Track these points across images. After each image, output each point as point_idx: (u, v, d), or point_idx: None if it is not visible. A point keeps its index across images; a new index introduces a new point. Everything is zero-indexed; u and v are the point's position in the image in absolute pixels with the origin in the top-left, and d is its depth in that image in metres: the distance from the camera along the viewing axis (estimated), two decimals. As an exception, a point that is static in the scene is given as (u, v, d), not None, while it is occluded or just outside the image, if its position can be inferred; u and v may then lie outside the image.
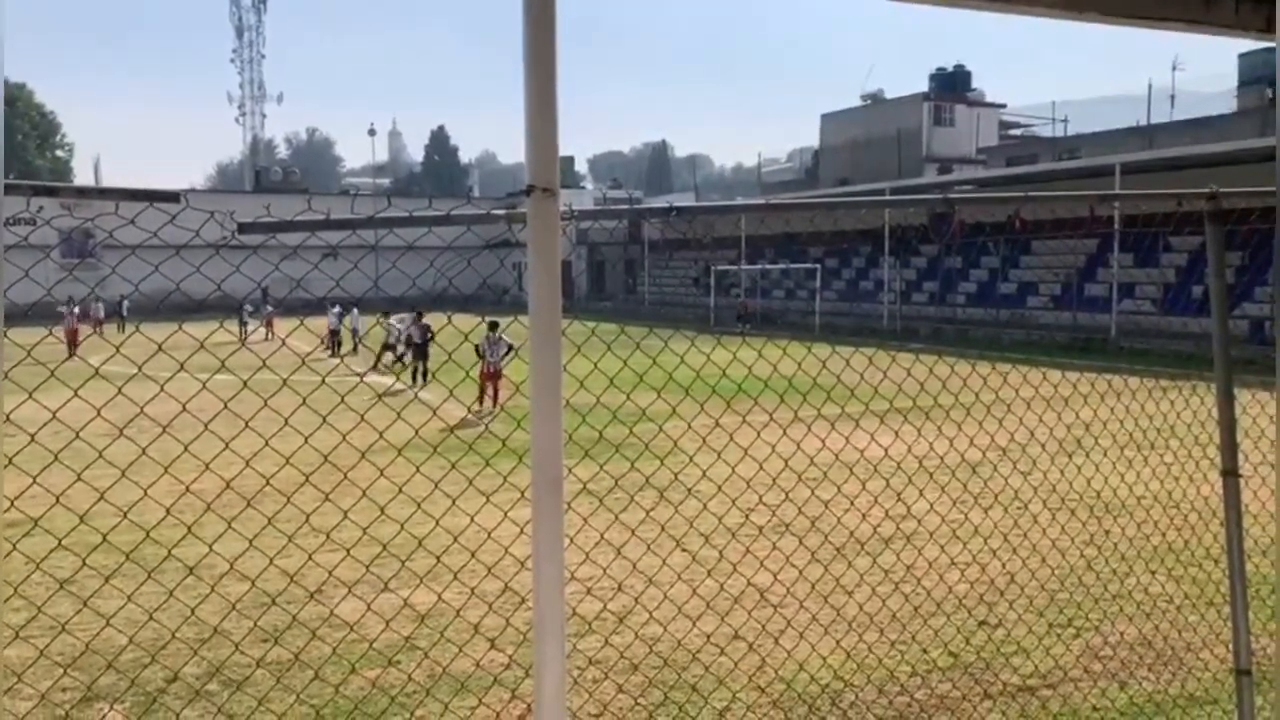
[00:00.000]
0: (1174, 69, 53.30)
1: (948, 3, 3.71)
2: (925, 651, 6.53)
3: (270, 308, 34.90)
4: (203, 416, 4.42)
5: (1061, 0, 3.75)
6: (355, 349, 29.34)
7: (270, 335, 33.31)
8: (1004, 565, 7.27)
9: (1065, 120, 57.50)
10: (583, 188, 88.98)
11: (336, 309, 29.31)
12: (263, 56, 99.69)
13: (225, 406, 4.18)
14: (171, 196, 3.32)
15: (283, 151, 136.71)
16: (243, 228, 3.29)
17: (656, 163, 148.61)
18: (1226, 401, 4.56)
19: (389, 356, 25.47)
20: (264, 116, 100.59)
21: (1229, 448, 4.54)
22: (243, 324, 33.03)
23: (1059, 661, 6.38)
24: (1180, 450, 6.41)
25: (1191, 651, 6.44)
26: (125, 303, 38.53)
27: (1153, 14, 4.07)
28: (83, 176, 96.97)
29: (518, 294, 58.17)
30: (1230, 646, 4.51)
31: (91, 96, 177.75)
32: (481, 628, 5.89)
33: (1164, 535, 7.31)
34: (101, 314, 38.48)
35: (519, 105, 2.95)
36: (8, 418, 3.93)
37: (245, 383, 4.36)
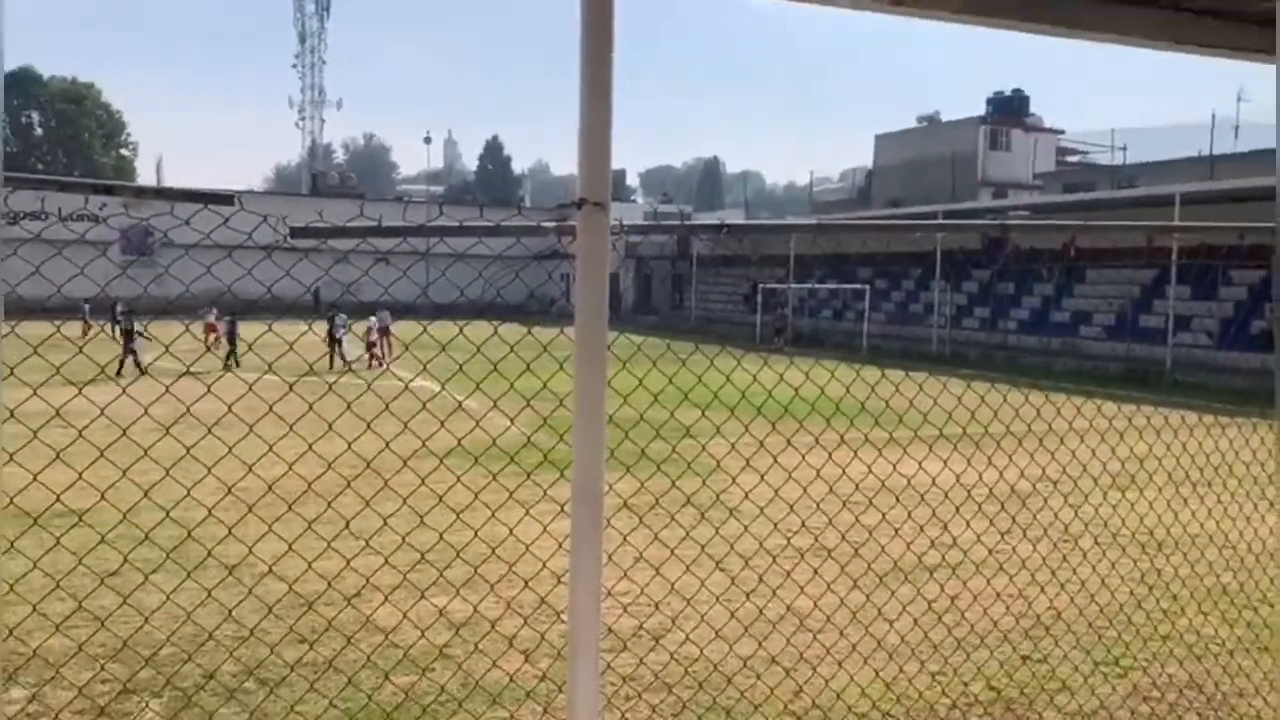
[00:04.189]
0: (1239, 100, 52.43)
1: (986, 23, 3.65)
2: (966, 685, 6.39)
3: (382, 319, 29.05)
4: (249, 417, 4.44)
5: (1141, 30, 3.70)
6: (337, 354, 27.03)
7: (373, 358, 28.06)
8: (1051, 600, 7.09)
9: (1124, 148, 56.68)
10: (633, 201, 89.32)
11: (372, 317, 28.58)
12: (324, 63, 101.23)
13: (270, 410, 4.20)
14: (226, 199, 3.34)
15: (340, 156, 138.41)
16: (295, 232, 3.29)
17: (708, 178, 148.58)
18: (1289, 441, 4.41)
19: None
20: (323, 121, 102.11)
21: (1291, 490, 4.39)
22: (334, 339, 26.80)
23: (1104, 701, 6.21)
24: (1238, 489, 6.23)
25: (1244, 697, 6.24)
26: (119, 306, 33.45)
27: (1226, 44, 3.98)
28: (145, 175, 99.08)
29: (564, 305, 58.40)
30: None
31: (156, 97, 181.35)
32: (516, 640, 5.86)
33: (1218, 576, 7.10)
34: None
35: (573, 115, 2.93)
36: (57, 412, 3.97)
37: (291, 386, 4.37)
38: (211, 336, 29.18)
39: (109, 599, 6.61)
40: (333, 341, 26.17)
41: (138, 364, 22.71)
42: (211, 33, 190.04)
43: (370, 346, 27.85)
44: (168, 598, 5.06)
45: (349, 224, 3.38)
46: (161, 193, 3.81)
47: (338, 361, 26.24)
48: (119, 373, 21.19)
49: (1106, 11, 3.69)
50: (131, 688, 5.94)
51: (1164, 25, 3.83)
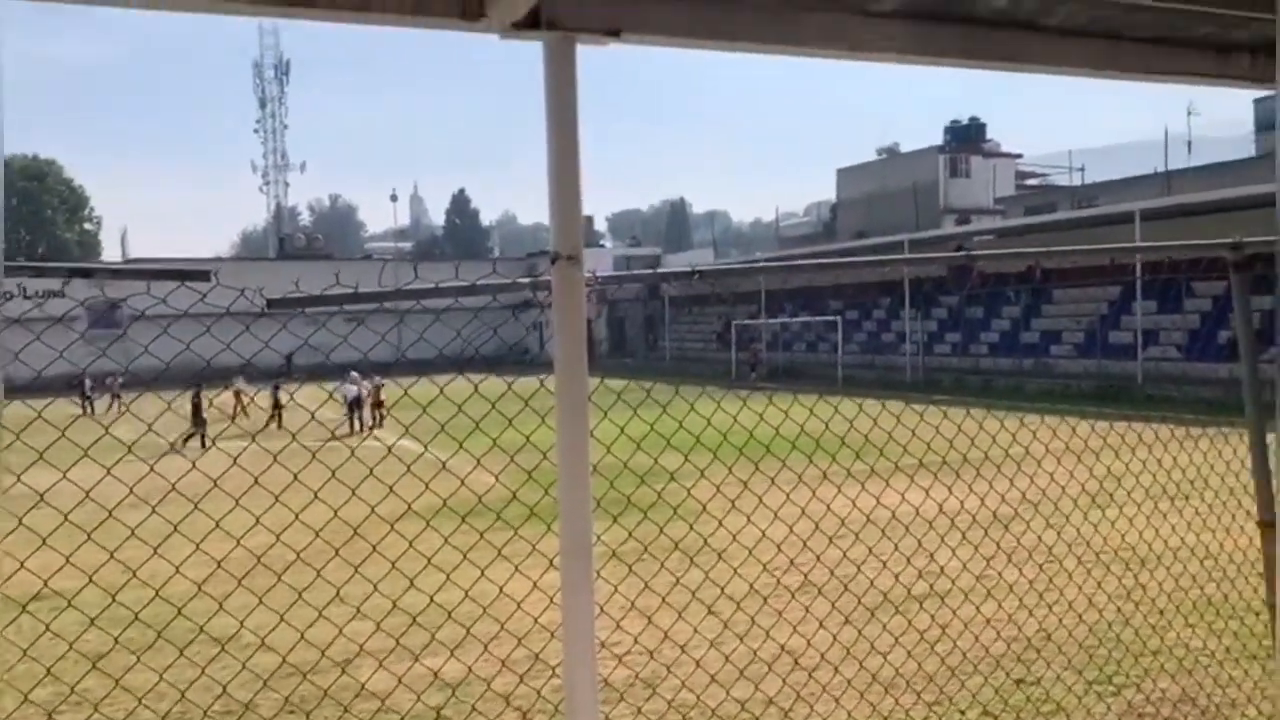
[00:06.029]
0: (1189, 114, 53.46)
1: (929, 62, 3.76)
2: (962, 713, 6.42)
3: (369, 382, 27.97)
4: (230, 488, 4.45)
5: (1083, 60, 3.81)
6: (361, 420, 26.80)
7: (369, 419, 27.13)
8: (1040, 622, 7.14)
9: (1082, 169, 57.57)
10: (602, 245, 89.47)
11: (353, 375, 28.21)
12: (285, 127, 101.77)
13: (256, 481, 4.21)
14: (202, 275, 3.36)
15: (306, 218, 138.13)
16: (271, 303, 3.32)
17: (675, 219, 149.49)
18: (1260, 450, 4.50)
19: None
20: (287, 185, 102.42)
21: (1265, 497, 4.46)
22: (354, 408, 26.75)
23: (1100, 721, 6.25)
24: (1215, 501, 6.32)
25: (1236, 708, 6.29)
26: (120, 380, 33.21)
27: (1170, 70, 4.11)
28: (110, 248, 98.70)
29: (537, 354, 58.31)
30: (1276, 702, 4.41)
31: (118, 169, 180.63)
32: (512, 698, 5.84)
33: (1202, 589, 7.18)
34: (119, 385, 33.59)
35: (537, 165, 3.02)
36: (42, 497, 3.97)
37: (275, 457, 4.38)
38: (238, 405, 29.28)
39: (99, 682, 6.54)
40: (350, 407, 26.38)
41: (202, 439, 22.73)
42: (171, 104, 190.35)
43: (377, 406, 27.49)
44: (160, 677, 5.02)
45: (326, 292, 3.42)
46: (138, 273, 3.84)
47: (357, 425, 26.56)
48: (185, 444, 21.59)
49: (1047, 45, 3.79)
50: (125, 771, 5.86)
51: (1106, 55, 3.95)
